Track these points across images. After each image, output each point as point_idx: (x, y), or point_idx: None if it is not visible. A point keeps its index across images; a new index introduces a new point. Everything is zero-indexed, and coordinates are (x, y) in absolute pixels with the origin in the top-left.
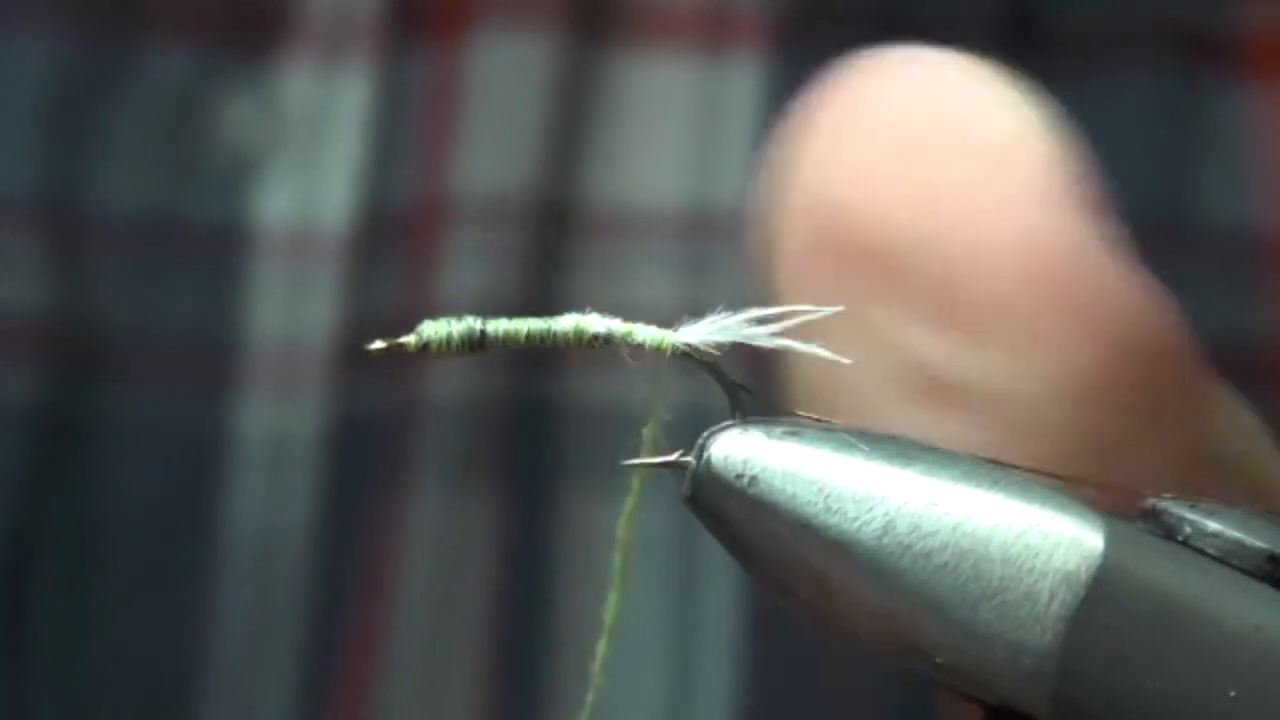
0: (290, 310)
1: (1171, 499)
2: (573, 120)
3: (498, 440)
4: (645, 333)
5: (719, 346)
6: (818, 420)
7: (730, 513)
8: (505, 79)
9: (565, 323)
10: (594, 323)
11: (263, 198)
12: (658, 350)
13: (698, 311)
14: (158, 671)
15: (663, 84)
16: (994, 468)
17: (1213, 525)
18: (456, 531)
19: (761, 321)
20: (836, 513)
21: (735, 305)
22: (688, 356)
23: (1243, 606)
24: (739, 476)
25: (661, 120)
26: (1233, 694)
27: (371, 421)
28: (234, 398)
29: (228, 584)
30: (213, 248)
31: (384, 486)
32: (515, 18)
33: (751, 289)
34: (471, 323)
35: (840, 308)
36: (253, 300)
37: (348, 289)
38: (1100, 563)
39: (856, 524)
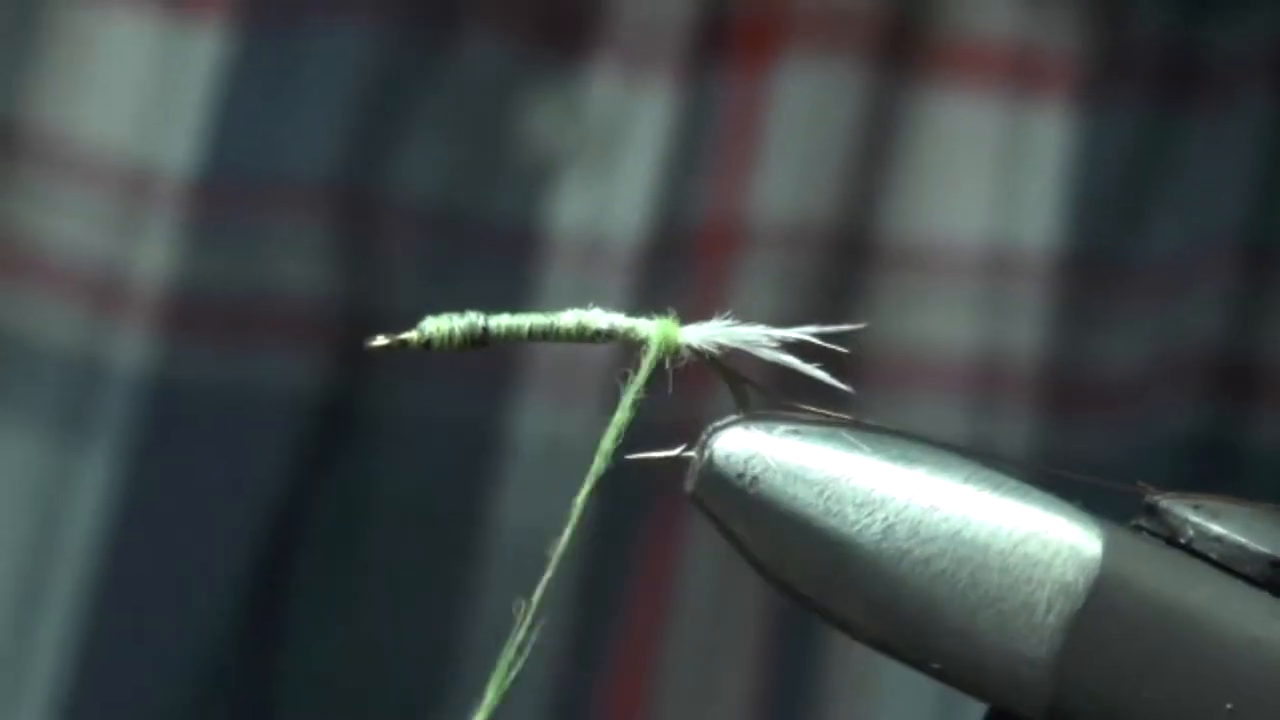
0: None
1: (1175, 497)
2: (875, 151)
3: None
4: (648, 328)
5: (722, 347)
6: (821, 417)
7: (732, 511)
8: (810, 104)
9: (568, 318)
10: (596, 318)
11: (558, 202)
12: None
13: (991, 352)
14: (411, 664)
15: (968, 121)
16: (997, 471)
17: (1215, 529)
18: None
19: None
20: (836, 515)
21: (1030, 350)
22: (693, 352)
23: (1242, 617)
24: (740, 475)
25: (964, 157)
26: (1230, 706)
27: (651, 440)
28: (512, 401)
29: (490, 585)
30: (504, 247)
31: (664, 502)
32: (824, 44)
33: (1045, 331)
34: (474, 318)
35: (862, 325)
36: (539, 304)
37: (635, 302)
38: (1098, 573)
39: (856, 527)
